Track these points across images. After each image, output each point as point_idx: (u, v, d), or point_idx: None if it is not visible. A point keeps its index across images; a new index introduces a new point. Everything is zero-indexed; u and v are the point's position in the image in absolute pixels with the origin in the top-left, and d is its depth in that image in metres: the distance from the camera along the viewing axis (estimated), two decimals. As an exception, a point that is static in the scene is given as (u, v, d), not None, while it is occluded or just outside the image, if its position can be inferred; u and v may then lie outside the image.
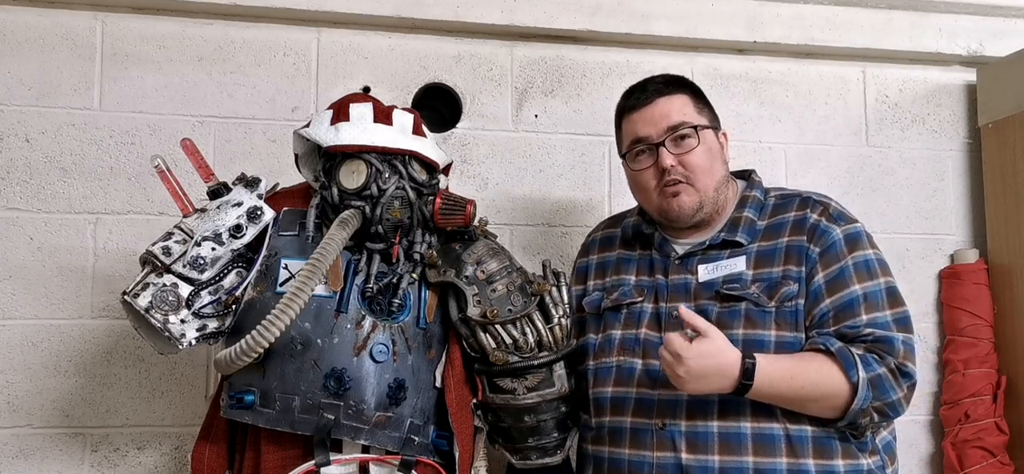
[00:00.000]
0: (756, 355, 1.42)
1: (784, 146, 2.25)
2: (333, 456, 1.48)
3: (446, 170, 1.71)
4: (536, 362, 1.57)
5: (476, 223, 1.66)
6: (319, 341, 1.50)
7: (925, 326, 2.24)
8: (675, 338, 1.41)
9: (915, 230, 2.27)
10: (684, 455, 1.48)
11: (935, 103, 2.33)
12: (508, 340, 1.57)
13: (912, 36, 2.27)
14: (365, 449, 1.51)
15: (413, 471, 1.53)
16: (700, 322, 1.41)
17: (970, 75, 2.32)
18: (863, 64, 2.30)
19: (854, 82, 2.30)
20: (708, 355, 1.40)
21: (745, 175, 1.70)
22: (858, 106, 2.30)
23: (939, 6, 2.27)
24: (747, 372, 1.40)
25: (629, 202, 1.83)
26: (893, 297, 1.51)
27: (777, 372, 1.42)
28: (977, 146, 2.30)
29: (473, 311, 1.57)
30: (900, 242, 2.25)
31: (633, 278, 1.65)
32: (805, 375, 1.43)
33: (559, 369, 1.60)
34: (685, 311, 1.44)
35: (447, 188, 1.72)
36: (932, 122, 2.32)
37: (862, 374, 1.41)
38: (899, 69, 2.32)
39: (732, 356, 1.41)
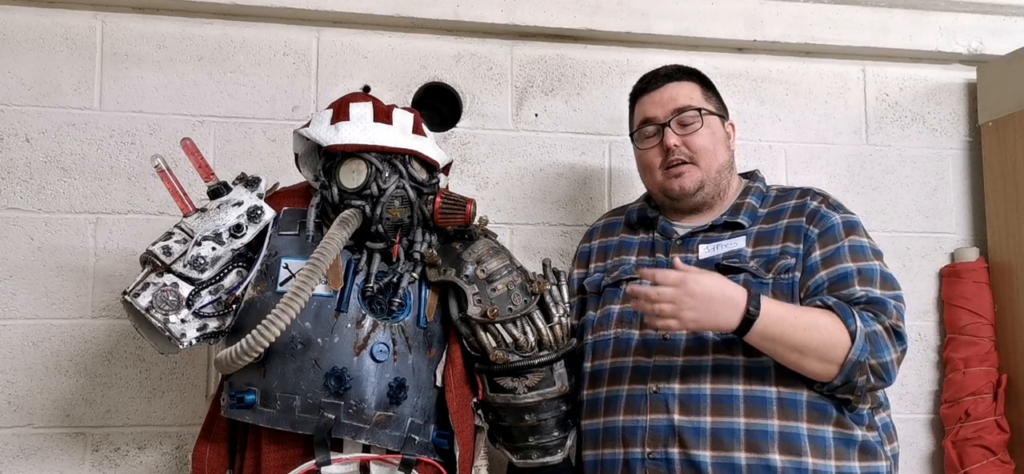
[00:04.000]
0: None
1: (784, 145, 2.25)
2: (334, 455, 1.49)
3: (446, 169, 1.71)
4: (536, 361, 1.57)
5: (476, 222, 1.66)
6: (319, 340, 1.50)
7: (925, 324, 2.24)
8: (669, 271, 1.42)
9: (915, 228, 2.27)
10: (677, 417, 1.49)
11: (935, 101, 2.32)
12: (508, 339, 1.57)
13: (912, 34, 2.27)
14: (366, 448, 1.51)
15: (414, 470, 1.53)
16: (686, 267, 1.45)
17: (970, 73, 2.32)
18: (863, 63, 2.30)
19: (854, 81, 2.30)
20: (713, 281, 1.41)
21: (749, 175, 1.76)
22: (858, 104, 2.30)
23: (939, 4, 2.27)
24: (754, 300, 1.40)
25: (628, 200, 1.83)
26: (886, 280, 1.53)
27: (781, 312, 1.44)
28: (977, 144, 2.29)
29: (473, 310, 1.57)
30: (900, 240, 2.25)
31: (634, 258, 1.69)
32: (807, 317, 1.44)
33: (559, 368, 1.61)
34: (679, 263, 1.46)
35: (447, 187, 1.73)
36: (932, 120, 2.32)
37: (859, 325, 1.42)
38: (899, 67, 2.31)
39: (736, 287, 1.42)
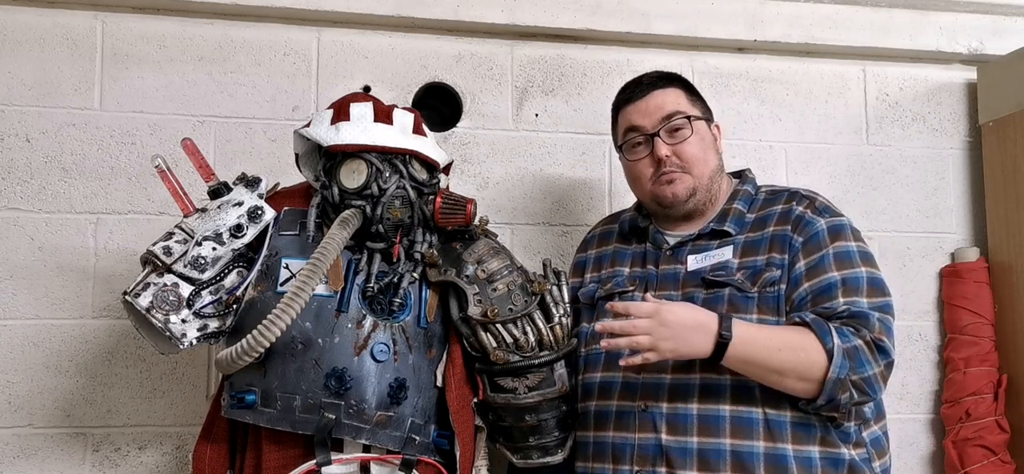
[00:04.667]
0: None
1: (784, 145, 2.25)
2: (334, 456, 1.49)
3: (446, 169, 1.71)
4: (537, 361, 1.57)
5: (476, 222, 1.66)
6: (320, 341, 1.50)
7: (926, 324, 2.24)
8: (642, 303, 1.42)
9: (916, 228, 2.27)
10: (664, 436, 1.49)
11: (936, 101, 2.32)
12: (509, 339, 1.57)
13: (912, 34, 2.27)
14: (366, 448, 1.51)
15: (414, 470, 1.53)
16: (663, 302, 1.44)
17: (971, 73, 2.32)
18: (863, 62, 2.30)
19: (854, 80, 2.30)
20: (684, 310, 1.42)
21: (739, 174, 1.73)
22: (858, 104, 2.30)
23: (939, 4, 2.27)
24: (725, 324, 1.40)
25: (629, 201, 1.83)
26: (873, 286, 1.50)
27: (754, 333, 1.43)
28: (978, 144, 2.29)
29: (474, 310, 1.57)
30: (901, 240, 2.25)
31: (627, 269, 1.68)
32: (782, 338, 1.43)
33: (560, 368, 1.61)
34: (651, 298, 1.46)
35: (447, 187, 1.73)
36: (933, 120, 2.32)
37: (837, 342, 1.40)
38: (900, 67, 2.31)
39: (708, 313, 1.43)
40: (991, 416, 2.10)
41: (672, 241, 1.64)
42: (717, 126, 1.70)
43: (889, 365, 1.46)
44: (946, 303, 2.23)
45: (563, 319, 1.61)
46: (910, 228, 2.27)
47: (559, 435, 1.62)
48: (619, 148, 1.70)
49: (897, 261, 2.21)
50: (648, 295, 1.48)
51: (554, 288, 1.63)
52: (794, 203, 1.59)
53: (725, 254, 1.57)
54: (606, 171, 2.17)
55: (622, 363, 1.43)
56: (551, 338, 1.59)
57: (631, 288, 1.63)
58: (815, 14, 2.23)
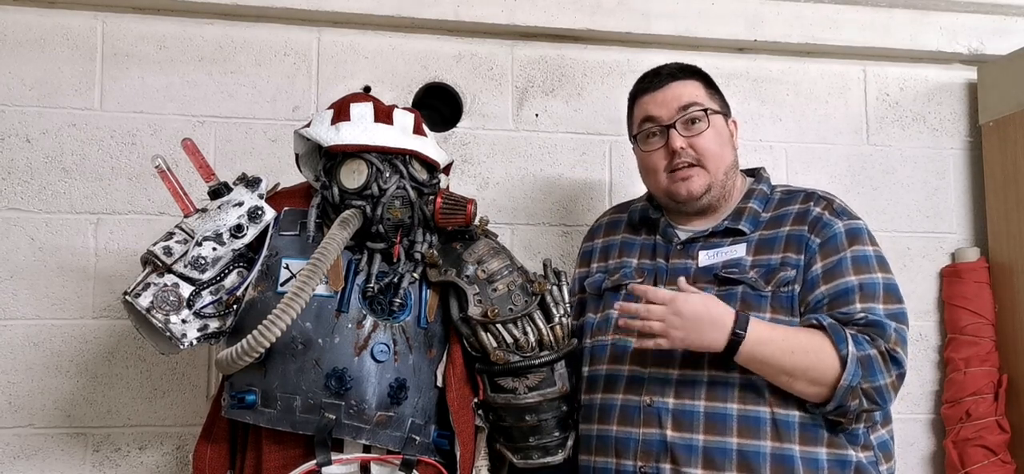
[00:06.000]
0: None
1: (785, 145, 2.25)
2: (334, 456, 1.49)
3: (447, 169, 1.71)
4: (537, 361, 1.57)
5: (477, 222, 1.66)
6: (320, 341, 1.50)
7: (926, 324, 2.24)
8: (660, 289, 1.43)
9: (916, 228, 2.27)
10: (669, 432, 1.48)
11: (936, 101, 2.32)
12: (509, 339, 1.57)
13: (913, 34, 2.27)
14: (366, 449, 1.51)
15: (414, 471, 1.53)
16: (690, 288, 1.46)
17: (971, 73, 2.32)
18: (864, 62, 2.30)
19: (855, 80, 2.30)
20: (701, 302, 1.42)
21: (754, 172, 1.72)
22: (859, 104, 2.30)
23: (940, 4, 2.27)
24: (741, 322, 1.40)
25: (628, 198, 1.83)
26: (890, 293, 1.50)
27: (770, 334, 1.43)
28: (978, 144, 2.29)
29: (474, 310, 1.57)
30: (901, 240, 2.25)
31: (635, 261, 1.67)
32: (796, 341, 1.43)
33: (560, 368, 1.61)
34: (683, 283, 1.46)
35: (448, 187, 1.73)
36: (933, 120, 2.32)
37: (852, 350, 1.40)
38: (900, 67, 2.31)
39: (724, 308, 1.43)
40: (991, 416, 2.11)
41: (683, 236, 1.63)
42: (734, 122, 1.68)
43: (901, 376, 1.46)
44: (946, 303, 2.23)
45: (563, 319, 1.61)
46: (910, 228, 2.27)
47: (559, 435, 1.62)
48: (633, 138, 1.68)
49: (897, 261, 2.20)
50: (681, 279, 1.48)
51: (554, 288, 1.63)
52: (811, 204, 1.58)
53: (738, 251, 1.56)
54: (606, 171, 2.17)
55: (634, 344, 1.44)
56: (551, 338, 1.59)
57: (639, 280, 1.62)
58: (815, 14, 2.23)
